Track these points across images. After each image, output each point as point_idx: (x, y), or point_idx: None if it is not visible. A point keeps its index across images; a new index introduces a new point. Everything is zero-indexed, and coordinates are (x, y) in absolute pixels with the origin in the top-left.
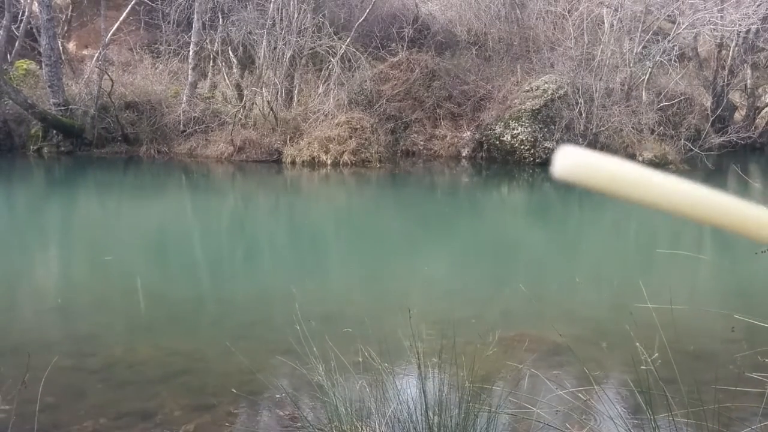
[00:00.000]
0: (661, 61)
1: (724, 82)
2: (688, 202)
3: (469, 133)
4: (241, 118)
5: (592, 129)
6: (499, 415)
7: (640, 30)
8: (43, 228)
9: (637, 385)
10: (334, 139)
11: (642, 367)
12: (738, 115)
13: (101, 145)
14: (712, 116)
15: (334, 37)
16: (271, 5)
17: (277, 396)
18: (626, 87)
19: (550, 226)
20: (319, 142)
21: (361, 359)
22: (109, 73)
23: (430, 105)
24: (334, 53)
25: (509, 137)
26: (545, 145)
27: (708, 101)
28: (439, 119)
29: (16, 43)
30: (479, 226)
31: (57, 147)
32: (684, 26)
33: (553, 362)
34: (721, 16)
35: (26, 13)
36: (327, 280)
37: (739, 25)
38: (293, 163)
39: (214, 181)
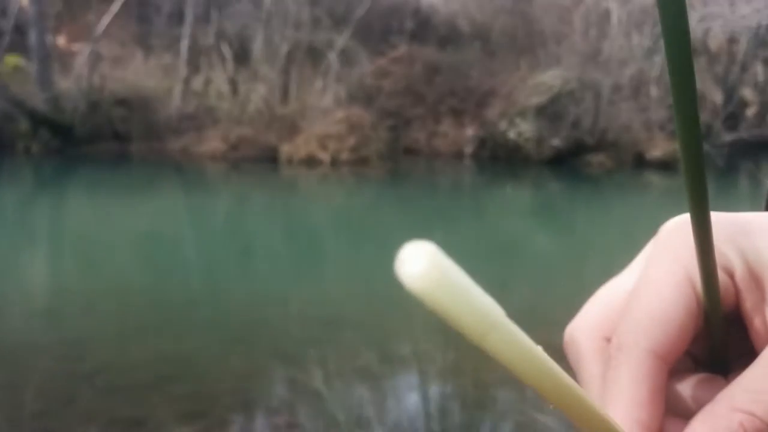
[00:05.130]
0: None
1: (735, 77)
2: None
3: (472, 130)
4: (236, 115)
5: (599, 126)
6: (503, 422)
7: (650, 24)
8: (30, 229)
9: None
10: (333, 136)
11: None
12: (749, 112)
13: (92, 142)
14: (723, 113)
15: (333, 30)
16: None
17: (273, 403)
18: (635, 82)
19: (556, 226)
20: (316, 139)
21: (360, 364)
22: (100, 69)
23: (431, 101)
24: (332, 47)
25: (514, 134)
26: (551, 142)
27: (719, 97)
28: (441, 116)
29: (5, 38)
30: (483, 227)
31: (46, 144)
32: (694, 20)
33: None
34: (732, 11)
35: (15, 7)
36: (325, 283)
37: (751, 19)
38: (290, 161)
39: (208, 179)
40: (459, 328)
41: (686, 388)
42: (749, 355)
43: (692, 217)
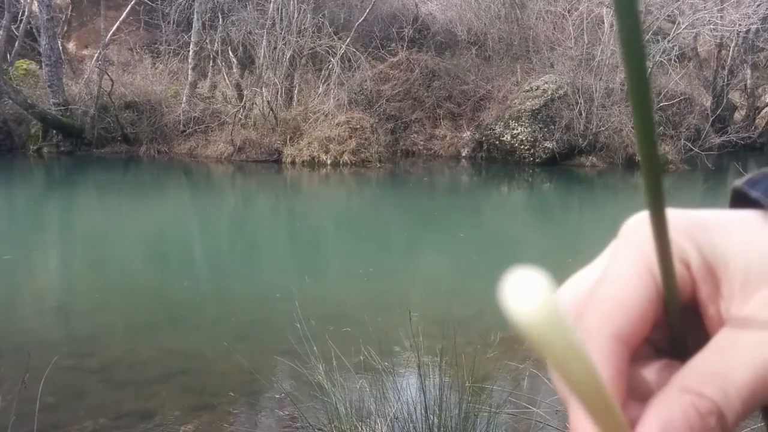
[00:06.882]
0: (661, 61)
1: (724, 82)
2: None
3: (468, 133)
4: (241, 118)
5: (591, 129)
6: (498, 415)
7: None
8: (42, 228)
9: None
10: (334, 139)
11: None
12: (738, 115)
13: (101, 145)
14: (712, 116)
15: (334, 37)
16: (271, 5)
17: (277, 396)
18: (626, 87)
19: (550, 225)
20: (319, 142)
21: (361, 359)
22: (109, 73)
23: (430, 105)
24: (334, 53)
25: (509, 137)
26: (545, 145)
27: (708, 101)
28: (439, 119)
29: (16, 43)
30: (479, 226)
31: (57, 147)
32: (684, 26)
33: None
34: (721, 16)
35: (26, 13)
36: (327, 280)
37: (739, 25)
38: (293, 163)
39: (214, 181)
40: (545, 355)
41: (647, 373)
42: (706, 343)
43: (650, 213)
